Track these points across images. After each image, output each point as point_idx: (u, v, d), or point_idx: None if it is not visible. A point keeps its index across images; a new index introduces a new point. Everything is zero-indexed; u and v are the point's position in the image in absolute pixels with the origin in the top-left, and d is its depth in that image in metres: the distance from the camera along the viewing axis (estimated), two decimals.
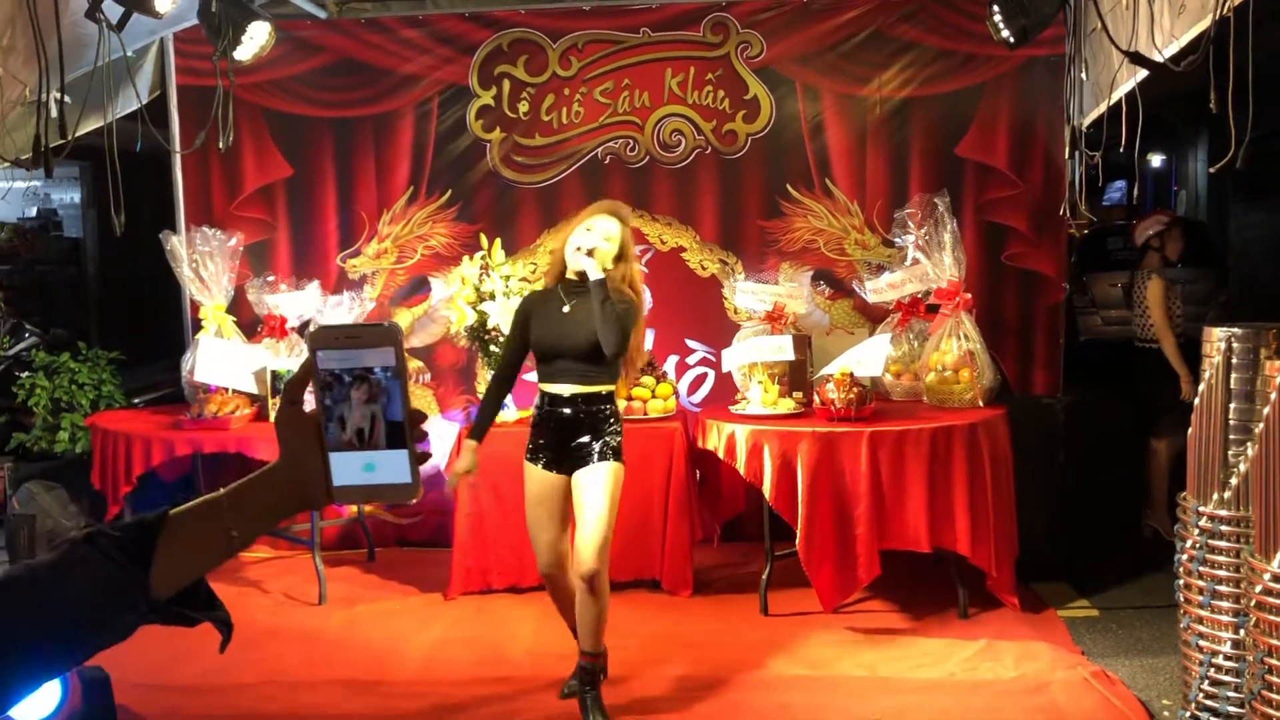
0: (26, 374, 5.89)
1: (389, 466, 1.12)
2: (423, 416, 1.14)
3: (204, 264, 5.16)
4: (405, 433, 1.11)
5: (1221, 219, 11.53)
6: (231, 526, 1.10)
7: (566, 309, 3.57)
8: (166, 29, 5.29)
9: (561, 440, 3.57)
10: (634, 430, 4.25)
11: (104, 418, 5.30)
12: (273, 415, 4.91)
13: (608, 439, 3.56)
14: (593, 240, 3.54)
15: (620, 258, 3.61)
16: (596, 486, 3.51)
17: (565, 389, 3.57)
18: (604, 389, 3.61)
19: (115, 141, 3.91)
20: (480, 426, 3.73)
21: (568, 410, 3.57)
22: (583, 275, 3.54)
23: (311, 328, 1.02)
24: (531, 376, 3.78)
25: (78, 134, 3.84)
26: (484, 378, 5.56)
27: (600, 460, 3.53)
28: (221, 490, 1.12)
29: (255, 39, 4.94)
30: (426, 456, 1.14)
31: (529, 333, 3.65)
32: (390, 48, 5.57)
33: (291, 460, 1.12)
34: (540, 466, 3.60)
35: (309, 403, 1.13)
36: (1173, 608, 3.57)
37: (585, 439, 3.55)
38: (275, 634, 4.48)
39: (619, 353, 3.49)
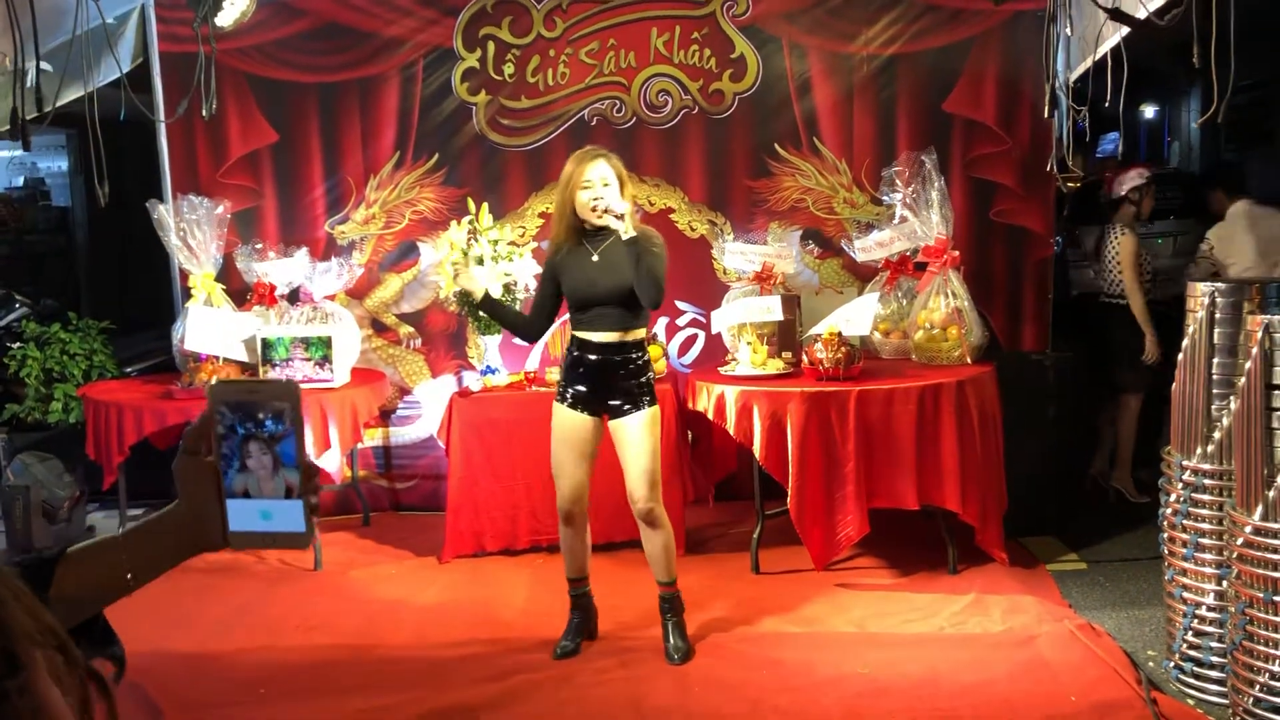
0: (18, 345, 5.89)
1: (284, 515, 1.17)
2: (316, 469, 1.19)
3: (191, 232, 5.14)
4: (300, 484, 1.16)
5: (1214, 169, 11.47)
6: (128, 567, 1.13)
7: (596, 257, 3.67)
8: None
9: (595, 385, 3.69)
10: None
11: (96, 388, 5.30)
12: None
13: (644, 383, 3.70)
14: (610, 198, 3.60)
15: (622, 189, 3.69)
16: (640, 430, 3.66)
17: (600, 335, 3.68)
18: (637, 335, 3.73)
19: (97, 111, 3.87)
20: (500, 306, 4.03)
21: (603, 356, 3.68)
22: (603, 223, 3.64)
23: (212, 381, 1.08)
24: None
25: (59, 104, 3.81)
26: (475, 343, 5.58)
27: (639, 407, 3.67)
28: (120, 531, 1.16)
29: (236, 4, 4.90)
30: (318, 507, 1.20)
31: (558, 287, 3.77)
32: (374, 10, 5.52)
33: (190, 506, 1.17)
34: (569, 407, 3.72)
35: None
36: (1158, 560, 3.61)
37: (622, 385, 3.67)
38: (272, 599, 4.52)
39: (658, 304, 3.63)
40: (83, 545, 1.14)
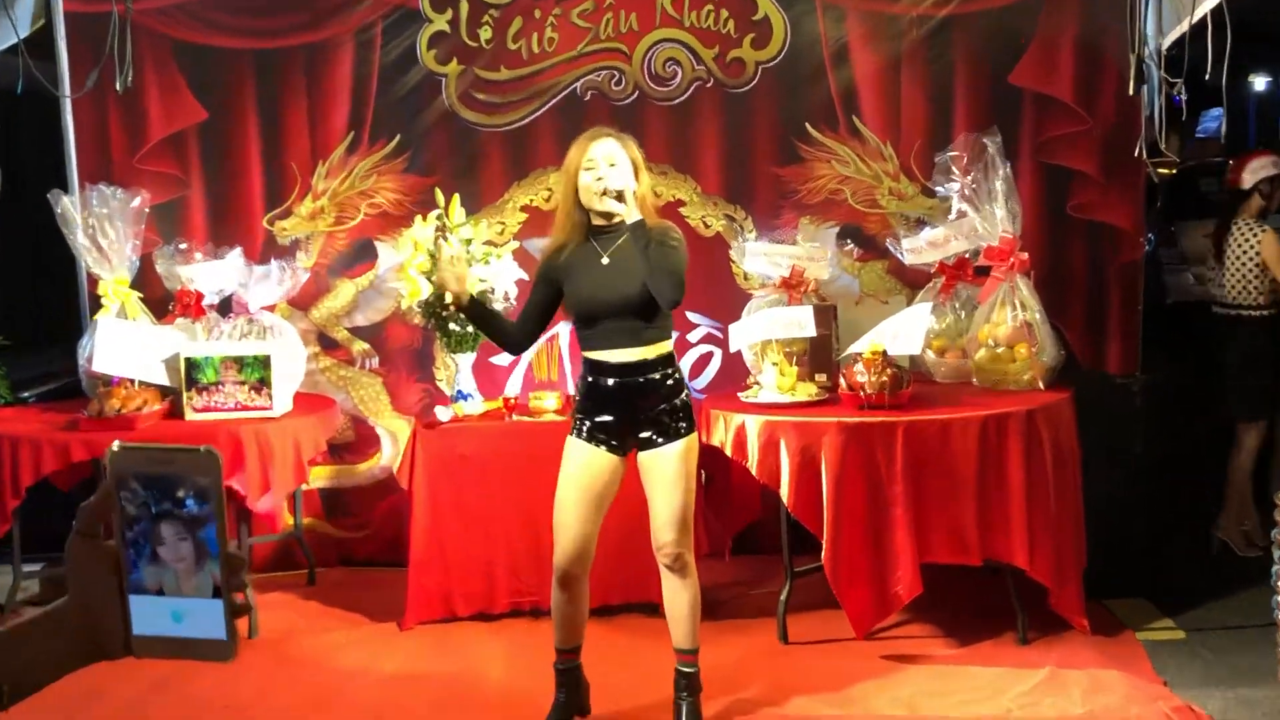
0: None
1: (201, 618, 1.15)
2: (242, 562, 1.17)
3: (102, 229, 5.14)
4: (221, 580, 1.14)
5: None
6: (2, 678, 1.10)
7: (606, 260, 3.67)
8: None
9: (618, 416, 3.69)
10: None
11: None
12: (188, 412, 4.90)
13: (676, 407, 3.70)
14: (617, 178, 3.62)
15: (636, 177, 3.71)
16: (675, 463, 3.67)
17: (617, 355, 3.67)
18: (662, 349, 3.73)
19: None
20: (486, 309, 4.00)
21: (621, 380, 3.68)
22: (611, 216, 3.66)
23: (114, 448, 1.08)
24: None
25: None
26: (442, 362, 5.58)
27: (676, 436, 3.68)
28: None
29: None
30: (246, 610, 1.19)
31: (555, 293, 3.78)
32: None
33: (83, 602, 1.14)
34: (585, 441, 3.71)
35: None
36: (1271, 628, 3.60)
37: (652, 412, 3.68)
38: (193, 674, 4.48)
39: (677, 301, 3.62)
40: None
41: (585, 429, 3.72)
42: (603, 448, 3.70)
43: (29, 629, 1.14)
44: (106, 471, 1.14)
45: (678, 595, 3.73)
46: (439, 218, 4.97)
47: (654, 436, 3.68)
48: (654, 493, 3.70)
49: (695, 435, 3.76)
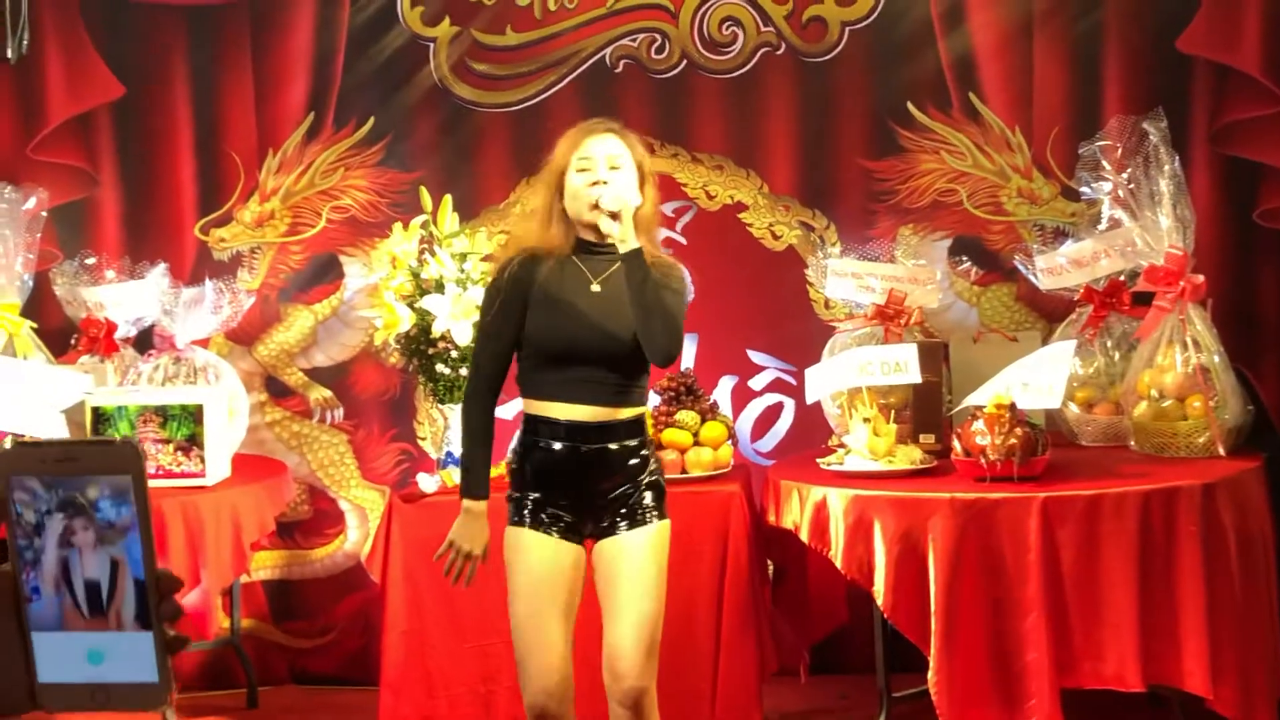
0: None
1: (125, 655, 1.16)
2: (176, 583, 1.18)
3: None
4: (149, 605, 1.15)
5: None
6: None
7: (597, 286, 3.66)
8: None
9: (580, 492, 3.65)
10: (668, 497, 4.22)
11: None
12: None
13: (648, 485, 3.68)
14: (621, 187, 3.59)
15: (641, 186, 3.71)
16: (639, 557, 3.62)
17: (578, 411, 3.63)
18: (635, 413, 3.72)
19: None
20: (478, 478, 3.80)
21: (574, 445, 3.63)
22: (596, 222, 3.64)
23: (4, 444, 1.10)
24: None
25: None
26: (426, 413, 5.58)
27: (641, 521, 3.64)
28: None
29: None
30: (182, 642, 1.19)
31: (527, 319, 3.69)
32: None
33: None
34: (532, 528, 3.65)
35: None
36: None
37: (618, 490, 3.65)
38: None
39: (673, 355, 3.63)
40: None
41: (527, 512, 3.65)
42: (555, 534, 3.64)
43: None
44: None
45: None
46: (425, 226, 4.97)
47: (619, 520, 3.64)
48: (613, 599, 3.62)
49: (668, 525, 3.72)
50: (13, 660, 1.15)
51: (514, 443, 3.76)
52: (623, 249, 3.54)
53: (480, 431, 3.80)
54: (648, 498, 3.66)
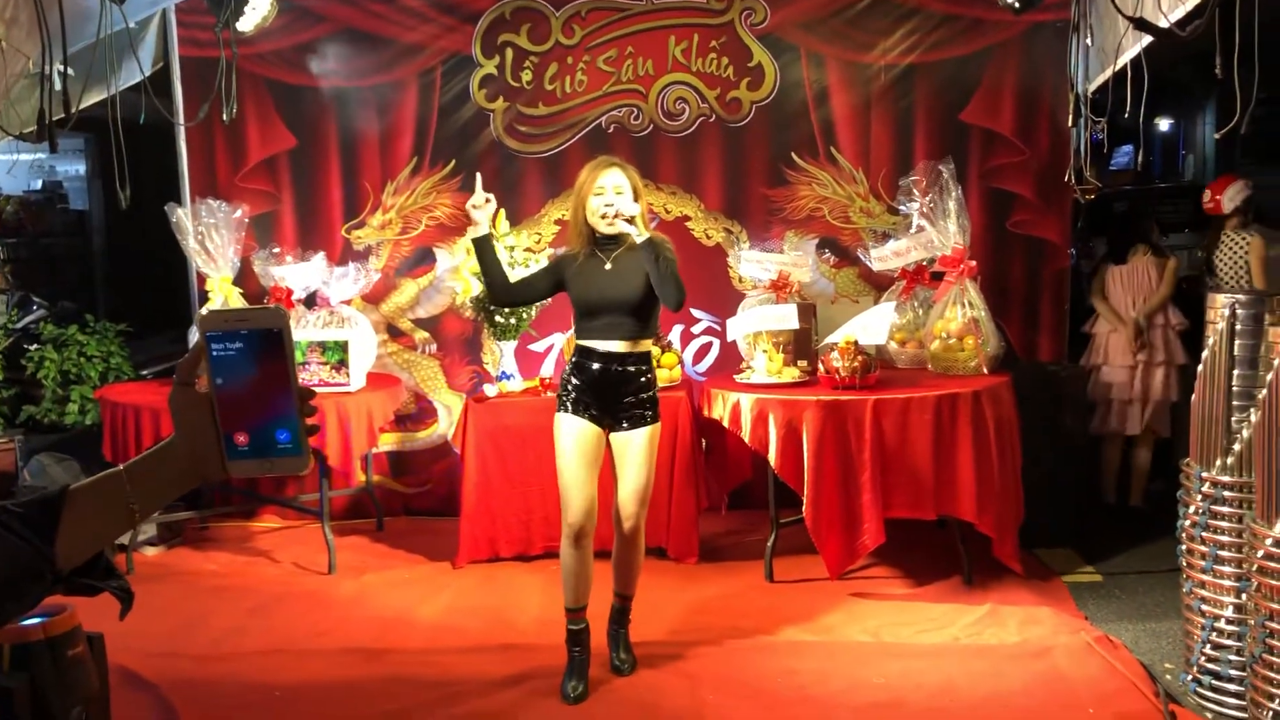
0: (35, 347, 5.92)
1: (284, 437, 1.17)
2: (310, 393, 1.19)
3: (209, 236, 5.16)
4: (295, 408, 1.16)
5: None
6: (131, 500, 1.14)
7: (609, 265, 3.63)
8: (168, 0, 5.27)
9: (604, 396, 3.62)
10: None
11: (113, 390, 5.32)
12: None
13: (644, 400, 3.64)
14: (625, 204, 3.58)
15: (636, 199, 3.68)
16: (641, 448, 3.62)
17: (607, 344, 3.62)
18: (644, 347, 3.69)
19: (119, 114, 3.89)
20: (493, 250, 3.75)
21: (611, 367, 3.61)
22: (615, 231, 3.62)
23: (203, 311, 1.10)
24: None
25: (81, 107, 3.83)
26: (490, 348, 5.59)
27: (643, 423, 3.62)
28: (120, 465, 1.16)
29: (257, 9, 4.93)
30: (315, 429, 1.20)
31: (559, 286, 3.73)
32: (393, 16, 5.55)
33: (187, 437, 1.17)
34: (572, 414, 3.63)
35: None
36: (1176, 573, 3.59)
37: (629, 398, 3.62)
38: (285, 602, 4.52)
39: (682, 302, 3.57)
40: (85, 482, 1.14)
41: (570, 403, 3.64)
42: (587, 418, 3.63)
43: (149, 462, 1.16)
44: (197, 331, 1.17)
45: (630, 554, 3.71)
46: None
47: (625, 420, 3.62)
48: (622, 470, 3.65)
49: (659, 426, 3.68)
50: (212, 447, 1.15)
51: (568, 366, 3.72)
52: (639, 239, 3.54)
53: (503, 276, 3.77)
54: (648, 407, 3.64)
